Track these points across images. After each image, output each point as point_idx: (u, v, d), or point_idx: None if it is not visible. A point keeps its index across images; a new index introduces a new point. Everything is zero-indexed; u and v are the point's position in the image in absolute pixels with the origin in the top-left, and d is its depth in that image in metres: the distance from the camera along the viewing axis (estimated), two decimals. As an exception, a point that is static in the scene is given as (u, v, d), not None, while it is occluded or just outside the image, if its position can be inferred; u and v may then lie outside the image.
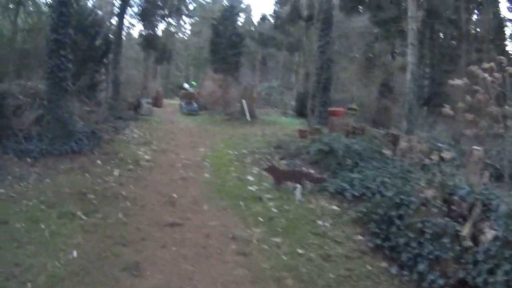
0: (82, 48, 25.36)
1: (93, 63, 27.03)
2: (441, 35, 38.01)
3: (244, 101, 29.42)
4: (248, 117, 28.75)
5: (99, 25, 28.05)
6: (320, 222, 10.15)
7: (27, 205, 10.46)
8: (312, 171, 14.11)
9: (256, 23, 60.89)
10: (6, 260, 7.37)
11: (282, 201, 11.73)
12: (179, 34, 66.79)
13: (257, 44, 53.66)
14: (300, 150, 16.85)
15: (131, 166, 15.18)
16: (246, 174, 14.81)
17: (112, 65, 28.52)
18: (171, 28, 54.44)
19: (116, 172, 14.18)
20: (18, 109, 16.34)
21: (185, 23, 66.53)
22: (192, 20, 65.30)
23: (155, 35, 40.54)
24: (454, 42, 36.50)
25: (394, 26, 34.68)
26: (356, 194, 11.68)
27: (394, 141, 16.07)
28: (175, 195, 12.12)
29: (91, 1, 36.68)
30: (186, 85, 39.55)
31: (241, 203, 11.51)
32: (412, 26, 24.59)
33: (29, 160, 14.18)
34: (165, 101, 41.99)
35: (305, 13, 39.43)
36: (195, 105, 34.72)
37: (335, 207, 11.22)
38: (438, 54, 36.02)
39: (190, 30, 70.87)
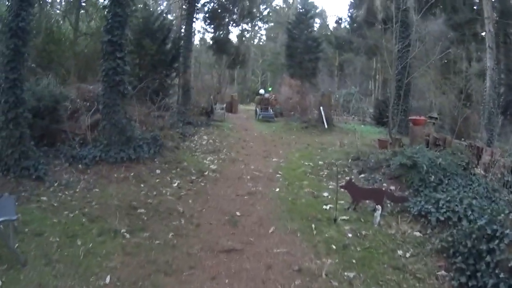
0: (151, 53, 25.03)
1: (163, 68, 26.52)
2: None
3: (322, 108, 27.55)
4: (325, 125, 26.95)
5: (167, 29, 27.49)
6: (400, 252, 8.73)
7: (68, 217, 9.45)
8: (392, 187, 12.63)
9: (331, 28, 59.52)
10: (30, 278, 6.76)
11: (359, 224, 10.10)
12: (255, 39, 66.08)
13: (334, 48, 51.97)
14: (381, 163, 14.93)
15: (193, 177, 13.74)
16: (321, 189, 13.05)
17: (182, 70, 27.29)
18: (246, 33, 53.44)
19: (175, 184, 12.77)
20: (74, 113, 15.54)
21: (260, 28, 65.80)
22: (267, 25, 64.47)
23: (227, 38, 39.25)
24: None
25: (469, 30, 32.37)
26: (441, 218, 9.87)
27: (477, 154, 14.44)
28: (238, 213, 10.57)
29: (160, 6, 35.96)
30: (262, 91, 37.97)
31: (312, 225, 9.89)
32: (489, 27, 22.68)
33: (80, 167, 13.04)
34: (241, 107, 40.90)
35: (380, 15, 37.49)
36: (271, 111, 33.09)
37: (417, 233, 9.72)
38: None
39: (266, 35, 70.32)
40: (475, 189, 11.36)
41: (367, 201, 11.30)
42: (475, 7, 31.67)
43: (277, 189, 12.94)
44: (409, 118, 20.22)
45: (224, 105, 32.00)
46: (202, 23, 47.12)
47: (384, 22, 33.79)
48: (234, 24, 40.16)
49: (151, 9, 29.07)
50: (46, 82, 15.69)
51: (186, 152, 17.35)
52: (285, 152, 19.28)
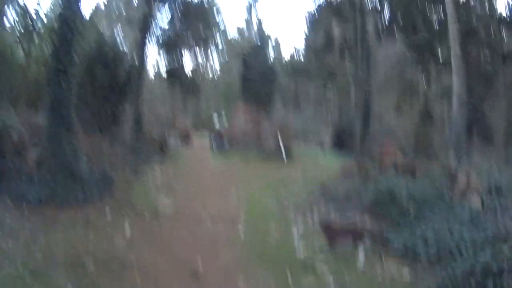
0: (103, 82, 23.79)
1: (115, 98, 25.00)
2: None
3: (279, 138, 26.53)
4: (284, 156, 25.95)
5: (120, 58, 26.26)
6: None
7: (8, 274, 8.07)
8: (366, 220, 11.48)
9: (287, 57, 59.50)
10: None
11: (340, 269, 8.87)
12: (209, 74, 65.54)
13: (289, 76, 51.59)
14: (350, 194, 14.06)
15: (147, 220, 12.43)
16: (291, 230, 11.85)
17: (134, 99, 25.91)
18: (200, 67, 52.81)
19: (127, 229, 11.33)
20: (22, 147, 14.00)
21: (214, 63, 65.30)
22: (222, 60, 63.99)
23: (181, 66, 38.30)
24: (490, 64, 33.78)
25: (428, 50, 32.27)
26: (432, 255, 8.83)
27: (451, 177, 13.53)
28: (200, 264, 9.16)
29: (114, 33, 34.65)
30: (215, 117, 37.15)
31: (288, 275, 8.59)
32: (455, 51, 22.12)
33: (25, 208, 11.66)
34: (195, 134, 40.05)
35: (338, 41, 37.37)
36: (225, 143, 31.99)
37: (407, 275, 8.50)
38: (475, 78, 33.36)
39: (220, 69, 69.75)
40: (460, 218, 10.38)
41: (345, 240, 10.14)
42: (435, 27, 31.46)
43: (242, 233, 11.64)
44: (378, 146, 19.51)
45: (178, 137, 31.01)
46: (157, 56, 46.16)
47: (343, 48, 33.83)
48: (187, 51, 39.34)
49: (104, 37, 27.79)
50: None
51: (139, 190, 16.04)
52: (245, 188, 17.85)
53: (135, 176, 17.97)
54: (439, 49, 31.99)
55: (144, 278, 8.33)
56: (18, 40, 26.51)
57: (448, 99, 27.92)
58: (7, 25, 26.37)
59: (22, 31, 27.03)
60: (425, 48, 31.78)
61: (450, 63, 22.80)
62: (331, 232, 10.25)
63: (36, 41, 25.55)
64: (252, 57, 39.61)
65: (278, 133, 27.33)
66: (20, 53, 25.51)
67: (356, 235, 10.04)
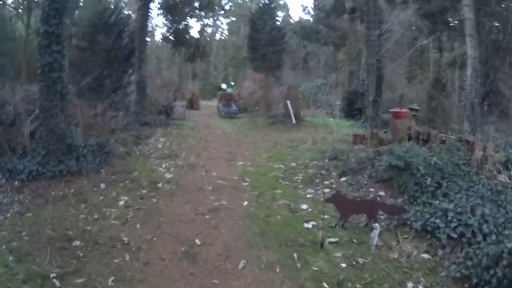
0: (106, 49, 23.42)
1: (119, 64, 24.84)
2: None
3: (288, 102, 25.83)
4: (293, 120, 25.26)
5: (123, 23, 25.66)
6: (410, 285, 6.99)
7: None
8: (381, 192, 11.12)
9: (296, 18, 58.08)
10: None
11: (352, 247, 8.24)
12: (216, 34, 64.21)
13: (299, 39, 50.23)
14: (364, 163, 13.14)
15: (145, 191, 11.58)
16: (299, 200, 11.09)
17: (136, 65, 25.14)
18: (207, 28, 51.51)
19: (122, 202, 10.62)
20: (18, 119, 13.19)
21: (221, 23, 63.93)
22: (229, 20, 62.72)
23: (186, 29, 37.14)
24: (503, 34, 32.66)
25: (440, 18, 31.10)
26: (453, 235, 8.03)
27: (468, 149, 12.41)
28: (198, 242, 8.48)
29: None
30: (224, 86, 36.08)
31: (294, 254, 7.88)
32: (468, 15, 21.31)
33: (16, 183, 11.06)
34: (203, 103, 39.10)
35: (348, 4, 36.06)
36: (234, 107, 31.48)
37: (425, 255, 7.93)
38: (491, 48, 32.28)
39: (228, 30, 68.39)
40: (479, 191, 9.54)
41: (356, 215, 9.58)
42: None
43: (245, 203, 10.88)
44: (390, 110, 18.41)
45: (185, 102, 30.14)
46: (162, 17, 44.88)
47: (352, 11, 32.77)
48: (193, 16, 38.09)
49: (105, 2, 26.75)
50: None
51: (139, 158, 15.29)
52: (252, 153, 17.38)
53: (136, 144, 17.20)
54: (451, 17, 31.10)
55: (134, 259, 7.74)
56: (17, 12, 25.78)
57: (460, 69, 27.50)
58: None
59: (21, 1, 26.35)
60: (438, 16, 30.77)
61: (463, 32, 22.05)
62: (345, 207, 9.31)
63: (36, 11, 24.69)
64: (260, 17, 39.02)
65: (287, 98, 26.32)
66: (20, 25, 24.79)
67: (370, 210, 9.23)
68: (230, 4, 54.35)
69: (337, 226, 9.13)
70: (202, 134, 22.10)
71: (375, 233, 8.33)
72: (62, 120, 12.10)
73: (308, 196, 11.49)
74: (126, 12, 31.79)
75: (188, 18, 37.93)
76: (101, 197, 10.80)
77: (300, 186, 12.47)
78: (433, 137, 14.48)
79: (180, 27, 36.26)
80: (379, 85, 23.53)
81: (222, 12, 52.96)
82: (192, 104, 34.49)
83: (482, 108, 20.30)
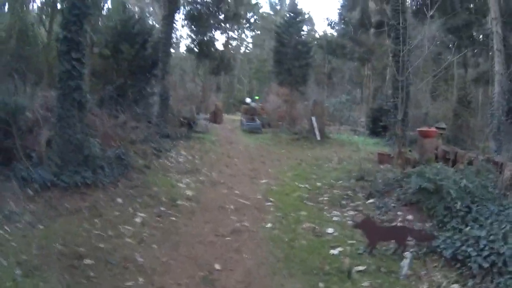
0: (129, 58, 22.84)
1: (142, 74, 24.16)
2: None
3: (313, 118, 25.37)
4: (318, 137, 24.89)
5: (147, 32, 25.00)
6: None
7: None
8: (410, 216, 10.53)
9: (321, 32, 57.80)
10: None
11: (381, 277, 7.67)
12: (241, 48, 63.95)
13: (325, 53, 49.83)
14: (391, 185, 12.64)
15: (163, 208, 11.00)
16: (324, 223, 10.53)
17: (160, 76, 24.73)
18: (231, 41, 51.21)
19: (138, 219, 10.04)
20: (36, 126, 12.65)
21: (246, 36, 63.70)
22: (254, 33, 62.45)
23: (211, 41, 36.77)
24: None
25: (465, 33, 30.69)
26: (485, 265, 7.37)
27: (497, 170, 11.96)
28: (218, 267, 7.87)
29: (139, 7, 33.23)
30: (248, 100, 35.69)
31: (320, 284, 7.30)
32: (496, 29, 21.56)
33: (30, 192, 10.38)
34: (226, 117, 38.38)
35: (375, 18, 35.68)
36: (258, 122, 30.80)
37: (456, 286, 7.34)
38: None
39: (252, 43, 68.14)
40: (510, 216, 8.82)
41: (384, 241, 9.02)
42: (472, 8, 29.96)
43: (269, 225, 10.32)
44: (418, 129, 17.82)
45: (208, 116, 29.63)
46: (186, 29, 44.63)
47: (379, 25, 32.22)
48: (219, 28, 37.74)
49: (130, 11, 26.45)
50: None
51: (159, 172, 14.68)
52: (276, 170, 16.86)
53: (157, 157, 16.59)
54: (476, 32, 31.30)
55: (148, 282, 7.17)
56: (40, 18, 25.56)
57: (484, 85, 27.31)
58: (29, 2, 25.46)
59: (44, 8, 26.10)
60: (463, 30, 30.32)
61: (487, 47, 21.69)
62: (373, 234, 8.78)
63: (58, 18, 24.52)
64: (285, 31, 38.78)
65: (313, 114, 25.77)
66: (42, 31, 24.56)
67: (400, 237, 8.74)
68: (255, 17, 53.88)
69: (364, 253, 8.59)
70: (224, 149, 21.57)
71: (405, 263, 7.79)
72: (80, 130, 11.61)
73: (334, 219, 10.93)
74: (150, 22, 31.66)
75: (213, 30, 37.65)
76: (117, 213, 10.24)
77: (326, 207, 11.92)
78: (461, 157, 14.28)
79: (205, 38, 35.92)
80: (405, 101, 23.01)
81: (247, 25, 52.40)
82: (215, 118, 33.76)
83: (507, 125, 19.81)
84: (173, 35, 30.64)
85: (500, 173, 11.43)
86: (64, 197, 10.54)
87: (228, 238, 9.30)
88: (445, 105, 30.84)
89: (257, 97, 40.38)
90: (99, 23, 24.15)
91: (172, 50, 29.75)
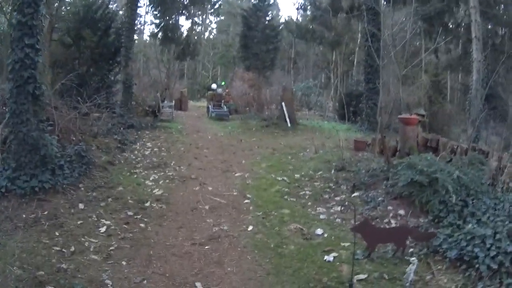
0: (92, 45, 21.94)
1: (105, 62, 23.36)
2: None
3: (283, 104, 24.28)
4: (288, 123, 23.99)
5: (110, 18, 23.96)
6: None
7: None
8: (401, 211, 9.74)
9: (287, 17, 57.27)
10: None
11: (385, 285, 6.92)
12: (205, 33, 62.90)
13: (294, 37, 48.97)
14: (377, 176, 11.71)
15: (130, 213, 9.86)
16: (311, 222, 9.59)
17: (123, 63, 23.68)
18: (196, 26, 50.05)
19: (103, 228, 8.88)
20: None
21: (210, 22, 62.72)
22: (218, 18, 61.56)
23: (175, 26, 35.41)
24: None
25: (438, 21, 30.38)
26: (494, 266, 6.82)
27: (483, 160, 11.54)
28: (199, 286, 6.82)
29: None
30: (214, 86, 34.43)
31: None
32: (475, 17, 21.84)
33: None
34: (191, 104, 37.83)
35: (346, 3, 35.06)
36: (225, 108, 29.88)
37: None
38: (491, 52, 31.72)
39: (217, 28, 67.08)
40: (507, 210, 8.33)
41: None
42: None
43: (250, 228, 9.30)
44: (399, 116, 17.05)
45: (173, 103, 28.59)
46: (151, 15, 43.07)
47: (351, 10, 32.46)
48: (183, 13, 36.47)
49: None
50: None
51: (123, 169, 13.48)
52: (249, 161, 15.84)
53: (121, 151, 15.46)
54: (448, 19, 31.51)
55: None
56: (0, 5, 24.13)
57: (455, 72, 28.28)
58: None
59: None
60: (435, 18, 30.05)
61: (459, 35, 21.65)
62: (372, 236, 7.97)
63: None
64: (253, 14, 38.22)
65: (282, 100, 25.00)
66: (3, 19, 23.14)
67: (399, 238, 7.97)
68: (220, 2, 52.73)
69: (362, 258, 7.80)
70: (192, 138, 20.46)
71: (411, 269, 6.92)
72: (35, 126, 10.37)
73: (321, 217, 9.97)
74: (112, 7, 30.32)
75: (177, 15, 36.34)
76: (79, 221, 9.05)
77: (309, 203, 10.95)
78: (443, 146, 13.53)
79: (170, 22, 34.54)
80: (375, 87, 22.97)
81: (212, 10, 51.31)
82: (180, 105, 32.99)
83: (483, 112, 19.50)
84: (137, 21, 29.58)
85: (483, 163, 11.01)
86: (21, 205, 9.41)
87: (206, 247, 8.25)
88: (417, 91, 30.33)
89: (223, 83, 39.34)
90: (62, 8, 22.87)
91: (136, 37, 28.64)
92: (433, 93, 28.83)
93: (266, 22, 38.45)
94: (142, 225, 9.27)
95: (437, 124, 24.40)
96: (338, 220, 9.58)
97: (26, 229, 8.50)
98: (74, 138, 13.34)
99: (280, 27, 42.67)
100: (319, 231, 9.07)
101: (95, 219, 9.32)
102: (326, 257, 7.85)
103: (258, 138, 20.91)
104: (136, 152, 16.15)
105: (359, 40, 39.28)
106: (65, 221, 8.98)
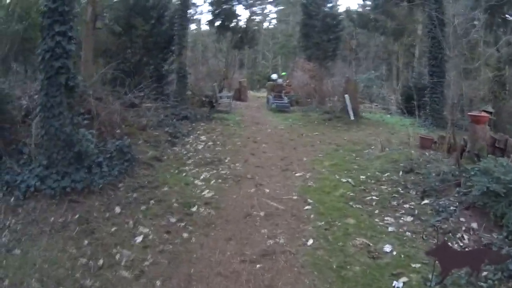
0: (144, 34, 21.60)
1: (158, 51, 22.93)
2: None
3: (347, 96, 23.09)
4: (352, 116, 22.71)
5: (163, 5, 23.49)
6: None
7: None
8: (474, 224, 8.55)
9: (343, 7, 56.06)
10: None
11: None
12: (265, 22, 61.97)
13: (356, 27, 47.30)
14: (448, 181, 10.36)
15: (173, 219, 8.68)
16: (379, 236, 8.30)
17: (176, 52, 22.79)
18: (255, 16, 49.02)
19: (140, 237, 7.76)
20: (28, 116, 10.87)
21: (270, 11, 61.59)
22: (277, 8, 60.45)
23: (232, 13, 34.32)
24: None
25: (498, 12, 28.52)
26: None
27: None
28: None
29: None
30: (274, 76, 33.30)
31: None
32: None
33: (12, 200, 8.60)
34: (250, 94, 36.69)
35: None
36: (285, 99, 28.37)
37: None
38: None
39: (276, 18, 66.14)
40: None
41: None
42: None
43: (310, 241, 7.97)
44: (469, 114, 15.45)
45: (232, 93, 27.78)
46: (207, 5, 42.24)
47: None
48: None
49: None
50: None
51: (171, 166, 12.33)
52: (310, 159, 14.39)
53: (171, 145, 14.42)
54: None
55: None
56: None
57: None
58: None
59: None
60: (496, 9, 28.30)
61: None
62: (449, 261, 6.95)
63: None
64: (312, 2, 36.65)
65: (345, 92, 23.63)
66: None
67: (476, 262, 6.97)
68: (279, -10, 51.72)
69: (435, 285, 6.76)
70: (250, 131, 19.17)
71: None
72: (69, 121, 9.32)
73: (389, 229, 8.60)
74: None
75: (235, 3, 35.32)
76: (113, 228, 8.00)
77: (376, 211, 9.55)
78: (511, 147, 12.30)
79: (227, 7, 33.49)
80: (441, 81, 22.61)
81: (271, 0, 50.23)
82: (239, 95, 32.03)
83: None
84: (193, 10, 28.81)
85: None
86: (50, 207, 8.55)
87: (258, 266, 7.01)
88: (480, 86, 28.62)
89: (283, 73, 38.19)
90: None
91: (193, 26, 27.89)
92: (496, 88, 26.93)
93: (327, 10, 37.10)
94: (185, 234, 8.07)
95: (501, 122, 22.64)
96: (408, 233, 8.28)
97: (53, 234, 7.65)
98: (119, 131, 12.29)
99: (341, 16, 41.20)
100: (387, 247, 7.80)
101: (132, 225, 8.24)
102: (395, 283, 6.74)
103: (321, 132, 19.56)
104: (188, 146, 15.04)
105: (420, 31, 37.57)
106: (97, 227, 8.01)
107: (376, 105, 33.73)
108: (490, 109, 17.88)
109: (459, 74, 17.75)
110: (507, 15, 27.45)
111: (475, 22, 20.40)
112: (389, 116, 27.08)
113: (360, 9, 48.33)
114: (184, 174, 11.79)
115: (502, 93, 25.61)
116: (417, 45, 40.26)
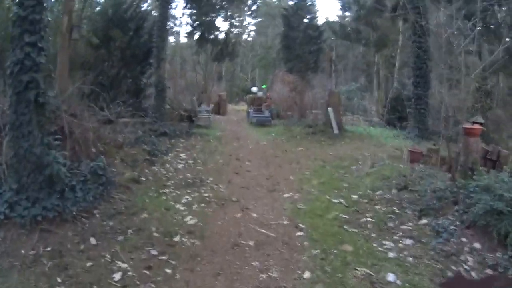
0: (122, 46, 21.28)
1: (137, 64, 22.60)
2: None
3: (330, 109, 22.81)
4: (336, 130, 22.37)
5: (141, 17, 23.27)
6: None
7: None
8: (477, 244, 8.11)
9: (323, 18, 56.15)
10: None
11: None
12: (244, 35, 61.82)
13: (337, 39, 47.23)
14: (446, 198, 9.84)
15: (154, 252, 7.79)
16: (380, 264, 7.61)
17: (155, 65, 22.35)
18: (234, 29, 48.83)
19: (118, 274, 6.86)
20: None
21: (248, 24, 61.54)
22: (256, 20, 60.55)
23: (212, 25, 33.87)
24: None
25: (482, 20, 28.69)
26: None
27: None
28: None
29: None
30: (254, 89, 33.03)
31: None
32: None
33: None
34: (230, 107, 36.54)
35: (390, 2, 34.50)
36: (266, 113, 28.17)
37: None
38: None
39: (255, 30, 66.15)
40: None
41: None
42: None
43: (307, 274, 7.19)
44: (463, 126, 15.02)
45: (211, 107, 27.25)
46: (186, 17, 41.93)
47: (394, 10, 31.47)
48: (220, 10, 34.83)
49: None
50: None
51: (151, 188, 11.50)
52: (297, 177, 13.82)
53: (150, 164, 13.68)
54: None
55: None
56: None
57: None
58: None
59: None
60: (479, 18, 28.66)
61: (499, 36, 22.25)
62: None
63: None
64: (294, 13, 37.80)
65: (328, 105, 23.32)
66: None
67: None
68: (258, 3, 51.34)
69: None
70: (231, 148, 18.63)
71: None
72: (39, 141, 8.48)
73: (390, 255, 7.93)
74: (144, 7, 29.24)
75: (214, 15, 34.89)
76: (88, 263, 7.11)
77: (373, 235, 8.91)
78: (503, 158, 12.25)
79: (206, 20, 33.01)
80: (425, 92, 23.11)
81: (249, 12, 50.00)
82: (218, 109, 32.06)
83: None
84: (172, 22, 28.40)
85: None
86: (20, 237, 7.67)
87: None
88: (464, 96, 28.60)
89: (264, 86, 37.76)
90: (86, 5, 21.63)
91: (173, 39, 27.46)
92: (483, 98, 26.81)
93: (308, 22, 36.99)
94: (168, 270, 7.18)
95: (487, 131, 22.51)
96: (410, 258, 7.66)
97: (24, 270, 6.80)
98: (94, 150, 11.49)
99: (323, 28, 40.98)
100: (390, 277, 7.12)
101: (109, 259, 7.34)
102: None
103: (305, 147, 19.15)
104: (167, 165, 14.31)
105: (400, 42, 37.52)
106: (71, 261, 7.12)
107: (357, 117, 33.69)
108: (481, 120, 17.55)
109: (449, 86, 17.55)
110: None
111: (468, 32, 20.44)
112: (372, 128, 26.72)
113: (339, 20, 48.37)
114: (164, 197, 10.96)
115: (488, 102, 25.31)
116: (397, 56, 40.26)
